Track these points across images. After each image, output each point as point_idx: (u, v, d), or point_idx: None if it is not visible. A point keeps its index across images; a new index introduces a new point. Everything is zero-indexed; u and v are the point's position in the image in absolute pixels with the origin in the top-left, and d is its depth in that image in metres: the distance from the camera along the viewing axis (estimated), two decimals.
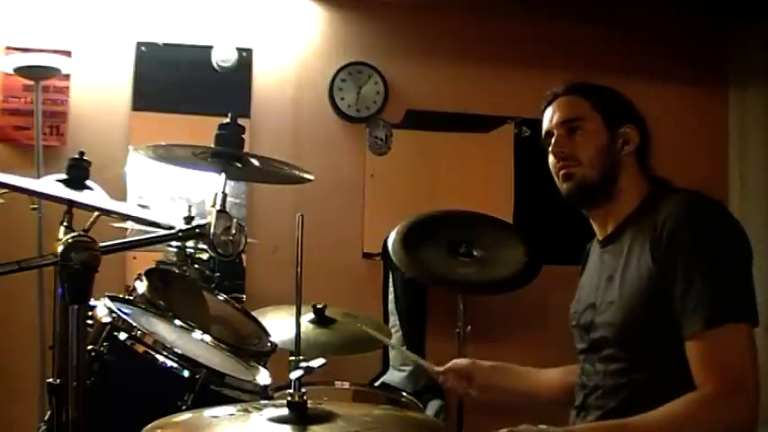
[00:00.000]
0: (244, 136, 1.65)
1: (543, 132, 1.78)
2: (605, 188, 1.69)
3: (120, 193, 3.26)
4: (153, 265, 2.67)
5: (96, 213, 1.70)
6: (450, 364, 2.00)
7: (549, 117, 1.76)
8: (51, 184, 1.87)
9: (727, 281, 1.52)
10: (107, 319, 1.67)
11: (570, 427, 1.62)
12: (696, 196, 1.63)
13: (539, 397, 1.96)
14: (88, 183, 1.90)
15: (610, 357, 1.65)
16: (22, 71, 3.17)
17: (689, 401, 1.47)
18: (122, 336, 1.64)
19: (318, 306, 2.49)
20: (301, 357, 2.06)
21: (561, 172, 1.72)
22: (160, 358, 1.63)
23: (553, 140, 1.73)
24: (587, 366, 1.73)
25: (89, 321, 1.56)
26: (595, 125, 1.70)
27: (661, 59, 3.84)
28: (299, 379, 1.23)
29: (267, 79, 3.61)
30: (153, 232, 1.67)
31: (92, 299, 1.30)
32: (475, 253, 2.79)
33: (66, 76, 3.38)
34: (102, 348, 1.61)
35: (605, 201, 1.71)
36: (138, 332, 1.66)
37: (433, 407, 2.94)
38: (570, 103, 1.73)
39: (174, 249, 2.98)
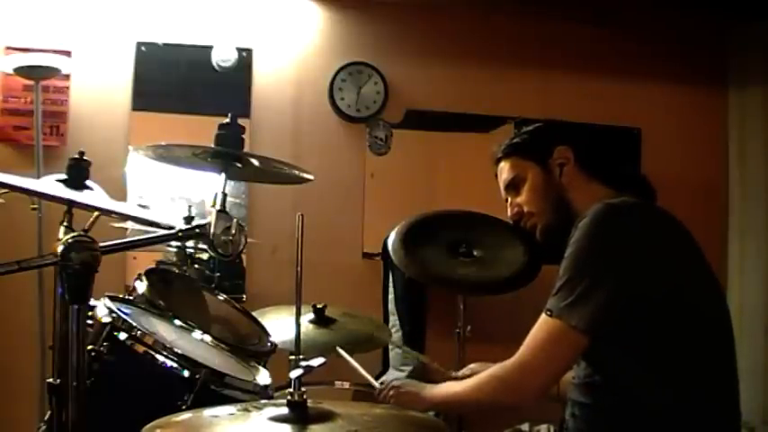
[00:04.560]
0: (244, 136, 1.65)
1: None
2: (565, 218, 1.72)
3: (120, 193, 3.26)
4: (153, 265, 2.66)
5: (96, 213, 1.69)
6: (466, 370, 2.03)
7: (499, 182, 1.90)
8: (51, 184, 1.86)
9: (567, 280, 1.57)
10: (107, 319, 1.66)
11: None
12: (605, 204, 1.62)
13: (554, 395, 1.96)
14: (88, 183, 1.90)
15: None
16: (22, 71, 3.17)
17: (492, 370, 1.67)
18: (122, 336, 1.64)
19: (318, 306, 2.49)
20: (301, 357, 2.05)
21: (527, 227, 1.83)
22: (160, 358, 1.63)
23: (508, 205, 1.86)
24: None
25: (89, 321, 1.56)
26: (531, 172, 1.81)
27: (661, 60, 3.84)
28: (298, 378, 1.23)
29: (267, 79, 3.61)
30: (153, 232, 1.67)
31: (92, 299, 1.30)
32: (475, 253, 2.78)
33: (67, 76, 3.39)
34: (102, 348, 1.61)
35: (573, 224, 1.72)
36: (138, 332, 1.65)
37: None
38: (503, 169, 1.86)
39: (174, 249, 2.98)
